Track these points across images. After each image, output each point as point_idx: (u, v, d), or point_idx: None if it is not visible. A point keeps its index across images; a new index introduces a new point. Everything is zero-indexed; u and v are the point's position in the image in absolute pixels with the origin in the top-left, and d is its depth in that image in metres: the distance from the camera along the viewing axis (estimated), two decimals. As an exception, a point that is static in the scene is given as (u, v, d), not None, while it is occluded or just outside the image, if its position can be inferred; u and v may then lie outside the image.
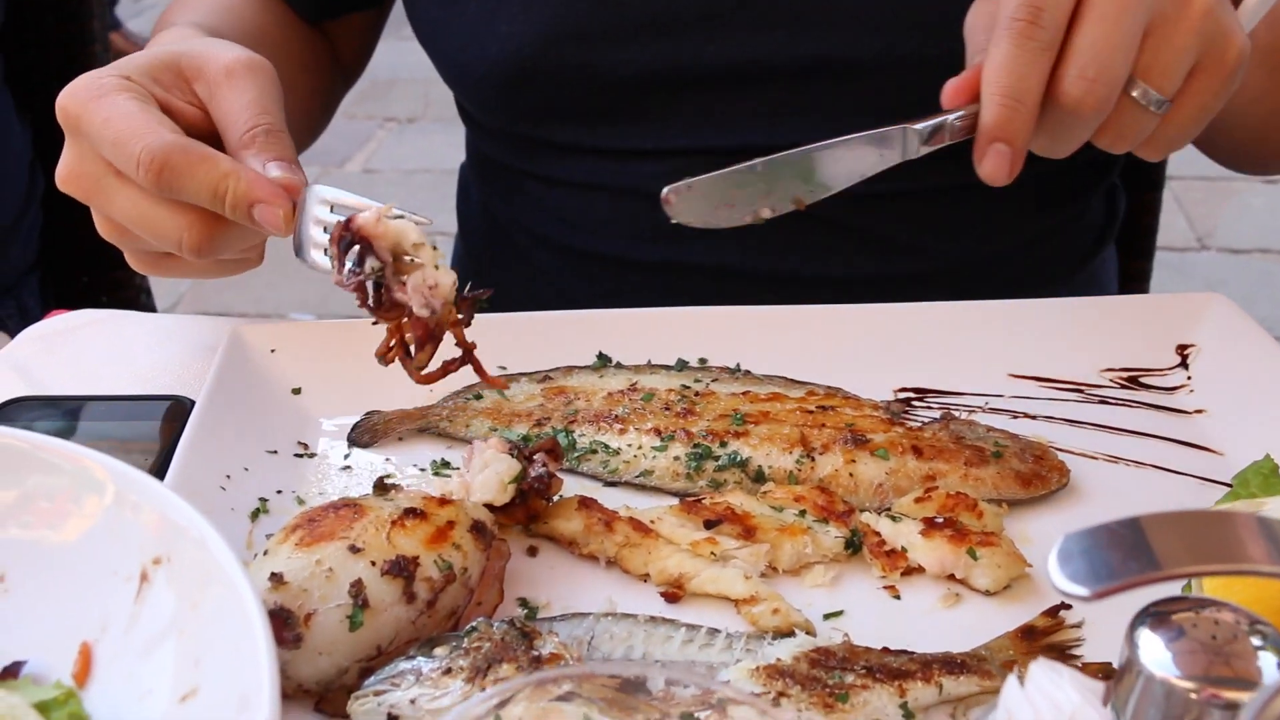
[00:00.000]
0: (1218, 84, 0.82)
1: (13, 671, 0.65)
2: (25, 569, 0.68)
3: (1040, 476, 0.89)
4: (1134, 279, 1.52)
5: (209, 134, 0.92)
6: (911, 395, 1.00)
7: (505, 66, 1.16)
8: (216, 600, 0.60)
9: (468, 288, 0.82)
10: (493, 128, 1.28)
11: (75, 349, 1.14)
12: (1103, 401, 1.00)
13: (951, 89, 0.83)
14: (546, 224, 1.29)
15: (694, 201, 0.83)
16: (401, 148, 4.87)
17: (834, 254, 1.20)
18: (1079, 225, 1.32)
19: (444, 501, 0.80)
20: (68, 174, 0.92)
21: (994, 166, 0.81)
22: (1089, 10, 0.78)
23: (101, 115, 0.88)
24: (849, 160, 0.82)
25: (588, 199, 1.23)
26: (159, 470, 0.92)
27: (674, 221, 0.85)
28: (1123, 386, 1.01)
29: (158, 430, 0.99)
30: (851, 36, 1.10)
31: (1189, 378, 1.01)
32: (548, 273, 1.31)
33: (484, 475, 0.83)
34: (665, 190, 0.83)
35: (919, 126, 0.83)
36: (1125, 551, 0.55)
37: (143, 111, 0.89)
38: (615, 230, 1.23)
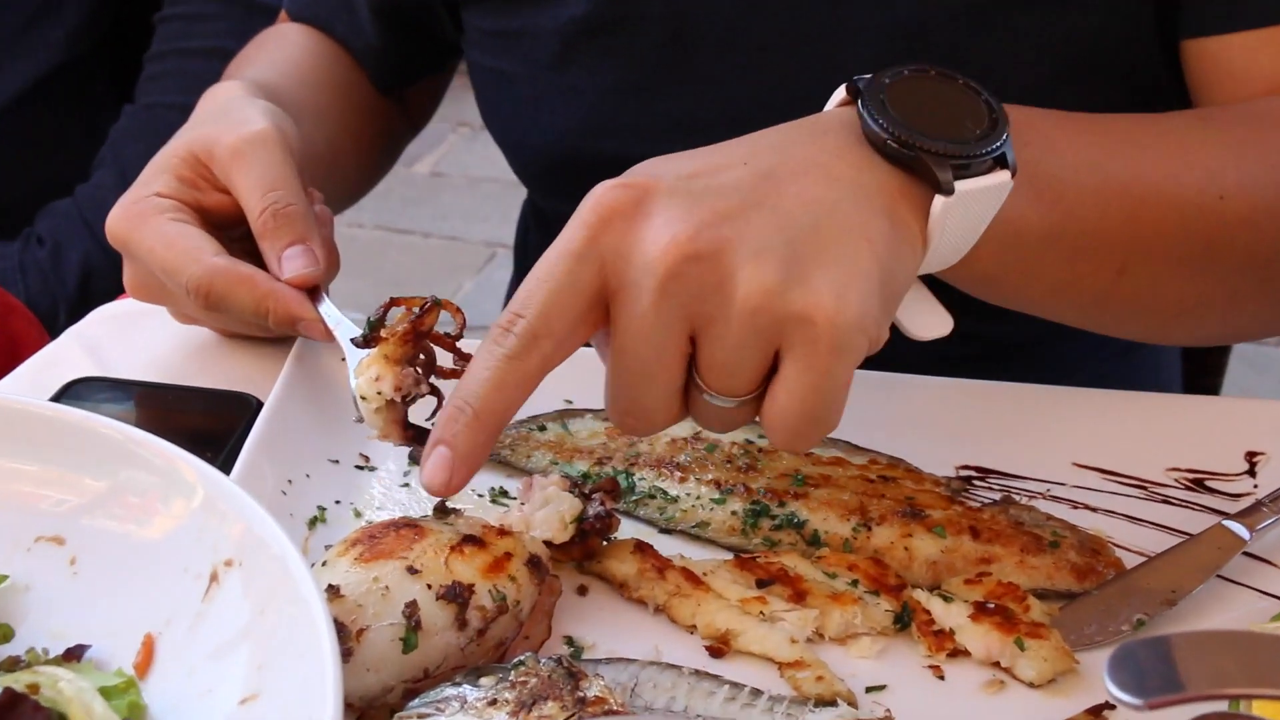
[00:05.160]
0: (810, 368, 0.76)
1: (76, 654, 0.66)
2: (100, 557, 0.69)
3: (1095, 571, 0.89)
4: (1208, 373, 1.50)
5: (243, 217, 1.03)
6: (973, 474, 1.00)
7: (548, 152, 1.29)
8: (286, 610, 0.60)
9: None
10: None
11: (145, 334, 1.15)
12: (1165, 501, 0.99)
13: None
14: None
15: None
16: (471, 155, 4.90)
17: None
18: None
19: (503, 532, 0.81)
20: (134, 288, 1.07)
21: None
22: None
23: (146, 244, 1.00)
24: None
25: None
26: (223, 466, 0.93)
27: None
28: (1186, 488, 1.01)
29: (222, 425, 1.00)
30: None
31: (1255, 486, 1.00)
32: None
33: (545, 511, 0.83)
34: None
35: None
36: (1184, 664, 0.55)
37: (181, 236, 1.00)
38: None
